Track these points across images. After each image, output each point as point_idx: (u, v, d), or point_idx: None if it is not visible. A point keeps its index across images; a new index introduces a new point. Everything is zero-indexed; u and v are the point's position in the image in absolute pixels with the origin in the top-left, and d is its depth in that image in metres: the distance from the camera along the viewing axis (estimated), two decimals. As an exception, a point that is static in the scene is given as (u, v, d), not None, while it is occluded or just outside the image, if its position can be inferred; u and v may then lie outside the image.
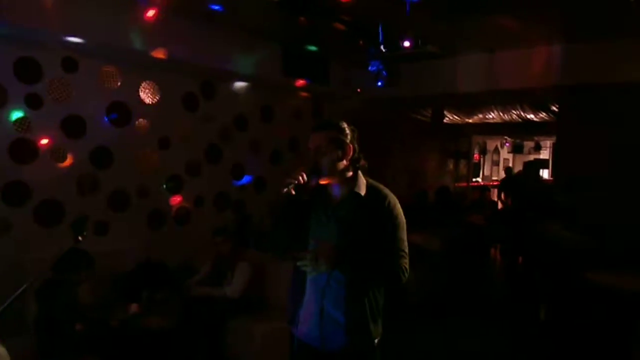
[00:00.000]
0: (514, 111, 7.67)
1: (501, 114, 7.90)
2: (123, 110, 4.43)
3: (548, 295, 4.93)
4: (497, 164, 14.32)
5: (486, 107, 7.58)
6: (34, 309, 3.17)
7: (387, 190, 2.02)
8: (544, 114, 7.41)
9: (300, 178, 1.90)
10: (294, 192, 1.88)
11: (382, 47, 3.76)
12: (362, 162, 2.05)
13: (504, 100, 7.07)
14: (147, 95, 4.62)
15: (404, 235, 1.97)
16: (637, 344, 3.58)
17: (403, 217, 1.99)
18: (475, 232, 6.31)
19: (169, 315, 3.55)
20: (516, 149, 14.28)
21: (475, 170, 12.66)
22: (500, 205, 8.27)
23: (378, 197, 1.97)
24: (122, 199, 4.46)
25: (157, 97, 4.69)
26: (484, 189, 8.29)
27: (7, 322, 3.28)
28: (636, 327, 3.57)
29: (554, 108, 6.97)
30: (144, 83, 4.58)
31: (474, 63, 5.22)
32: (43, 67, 3.88)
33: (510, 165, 14.67)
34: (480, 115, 8.18)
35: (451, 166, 10.73)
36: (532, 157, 14.18)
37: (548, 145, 14.35)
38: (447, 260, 5.98)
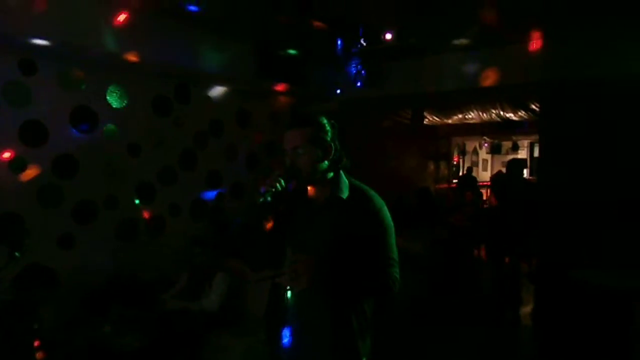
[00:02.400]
0: (493, 110, 7.63)
1: (480, 114, 7.86)
2: (88, 115, 4.16)
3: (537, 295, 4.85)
4: (476, 164, 14.40)
5: (466, 106, 7.52)
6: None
7: (372, 192, 1.82)
8: (523, 112, 7.39)
9: (277, 185, 1.71)
10: (270, 200, 1.69)
11: (362, 41, 3.60)
12: (344, 160, 1.86)
13: (484, 99, 7.02)
14: (114, 99, 4.35)
15: (392, 240, 1.78)
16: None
17: (390, 221, 1.80)
18: (458, 234, 6.21)
19: (142, 333, 3.29)
20: (494, 150, 14.38)
21: (455, 171, 12.68)
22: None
23: (362, 200, 1.77)
24: (88, 210, 4.17)
25: (126, 101, 4.43)
26: (463, 189, 8.23)
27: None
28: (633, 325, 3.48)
29: (534, 107, 6.98)
30: (111, 86, 4.32)
31: (454, 61, 5.12)
32: (-2, 70, 3.60)
33: (489, 165, 14.84)
34: (460, 116, 8.13)
35: (432, 167, 10.68)
36: (510, 157, 14.31)
37: (525, 145, 14.51)
38: (431, 262, 5.86)
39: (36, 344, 2.85)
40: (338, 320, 1.75)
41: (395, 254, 1.78)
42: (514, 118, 7.75)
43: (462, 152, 13.26)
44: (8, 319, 2.83)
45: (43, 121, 3.87)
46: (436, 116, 8.28)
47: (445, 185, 11.06)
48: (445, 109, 7.97)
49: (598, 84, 4.43)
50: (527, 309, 5.25)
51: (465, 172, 12.46)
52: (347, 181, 1.84)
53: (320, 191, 1.82)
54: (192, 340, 3.52)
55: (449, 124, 8.75)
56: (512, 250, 4.96)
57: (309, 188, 1.84)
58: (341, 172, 1.85)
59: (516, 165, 5.22)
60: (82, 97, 4.12)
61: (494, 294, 5.32)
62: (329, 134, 1.81)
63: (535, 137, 12.56)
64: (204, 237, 3.94)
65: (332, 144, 1.81)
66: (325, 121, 1.83)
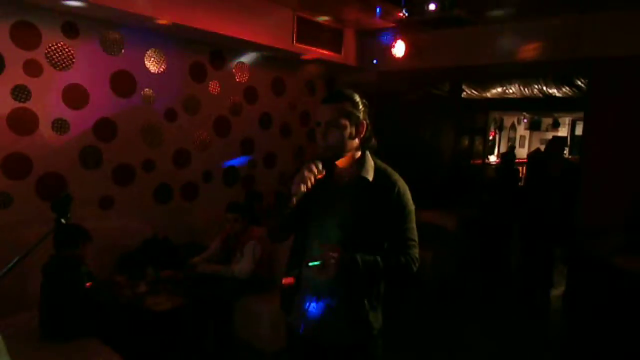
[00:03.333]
0: (535, 85, 7.33)
1: (522, 89, 7.57)
2: (127, 80, 4.22)
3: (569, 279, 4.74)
4: (514, 140, 13.93)
5: (507, 80, 7.23)
6: (37, 286, 3.05)
7: (396, 176, 1.83)
8: (568, 88, 7.07)
9: (316, 171, 1.69)
10: (308, 189, 1.68)
11: (404, 11, 3.47)
12: (373, 141, 1.86)
13: (527, 73, 6.73)
14: (152, 64, 4.39)
15: (413, 224, 1.82)
16: None
17: (412, 204, 1.82)
18: (491, 211, 6.08)
19: (175, 295, 3.41)
20: (533, 126, 13.85)
21: (490, 147, 12.29)
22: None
23: (387, 184, 1.79)
24: (126, 173, 4.29)
25: (164, 67, 4.47)
26: (506, 168, 7.96)
27: (7, 299, 3.21)
28: None
29: (579, 83, 6.65)
30: (150, 51, 4.36)
31: (497, 33, 4.90)
32: (42, 33, 3.67)
33: (527, 142, 14.33)
34: (500, 90, 7.84)
35: (466, 143, 10.42)
36: (549, 135, 13.80)
37: (567, 122, 13.92)
38: (463, 240, 5.79)
39: (88, 285, 3.00)
40: (352, 297, 1.79)
41: (415, 235, 1.81)
42: (557, 94, 7.44)
43: (500, 128, 12.83)
44: (56, 270, 2.97)
45: (84, 84, 3.95)
46: (475, 90, 8.01)
47: (479, 161, 10.80)
48: (485, 83, 7.70)
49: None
50: (557, 292, 5.16)
51: (508, 149, 12.05)
52: (373, 162, 1.84)
53: (346, 170, 1.82)
54: (222, 304, 3.64)
55: (486, 98, 8.48)
56: (548, 231, 4.83)
57: (336, 164, 1.82)
58: (367, 152, 1.85)
59: (557, 143, 5.02)
60: (122, 62, 4.17)
61: (525, 274, 5.24)
62: (362, 112, 1.80)
63: (577, 115, 12.07)
64: (237, 204, 4.00)
65: (365, 123, 1.80)
66: (358, 99, 1.81)
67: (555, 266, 5.22)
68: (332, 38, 5.49)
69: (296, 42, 5.06)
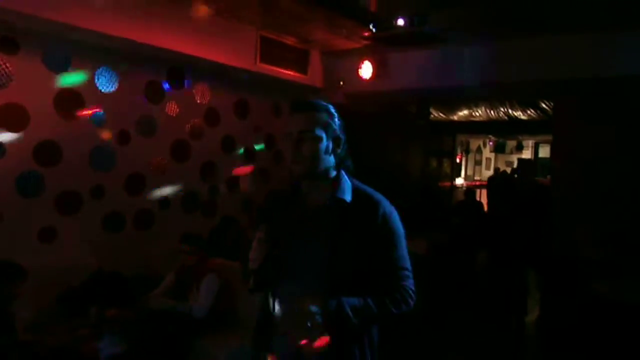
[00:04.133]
0: (501, 108, 7.37)
1: (488, 111, 7.60)
2: (74, 99, 3.89)
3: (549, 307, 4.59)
4: (479, 163, 14.10)
5: (474, 102, 7.25)
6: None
7: (379, 196, 1.56)
8: (532, 111, 7.13)
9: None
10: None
11: (371, 26, 3.32)
12: (348, 160, 1.61)
13: (494, 95, 6.75)
14: (103, 83, 4.08)
15: (404, 250, 1.54)
16: None
17: (402, 228, 1.55)
18: (464, 236, 5.94)
19: (122, 336, 3.04)
20: (498, 149, 14.10)
21: (457, 169, 12.36)
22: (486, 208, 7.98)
23: (368, 206, 1.52)
24: (72, 201, 3.91)
25: (116, 86, 4.16)
26: (469, 190, 7.94)
27: None
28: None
29: (544, 105, 6.72)
30: (100, 69, 4.05)
31: (467, 54, 4.84)
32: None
33: (492, 164, 14.55)
34: (466, 112, 7.86)
35: (434, 165, 10.41)
36: (514, 157, 14.06)
37: (530, 145, 14.23)
38: (435, 265, 5.61)
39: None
40: (342, 347, 1.46)
41: (408, 263, 1.54)
42: (522, 117, 7.50)
43: (467, 150, 12.96)
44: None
45: (24, 104, 3.59)
46: (442, 112, 8.00)
47: (448, 184, 10.81)
48: (452, 105, 7.70)
49: (619, 83, 4.17)
50: (532, 318, 5.01)
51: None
52: (350, 183, 1.57)
53: (319, 192, 1.55)
54: (176, 345, 3.27)
55: (453, 121, 8.50)
56: (521, 256, 4.69)
57: (304, 187, 1.57)
58: (343, 172, 1.59)
59: (527, 166, 4.95)
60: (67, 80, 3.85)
61: (499, 300, 5.07)
62: (339, 124, 1.56)
63: (541, 137, 12.32)
64: (191, 235, 3.67)
65: (342, 137, 1.56)
66: (334, 110, 1.57)
67: (528, 292, 5.07)
68: (297, 58, 5.33)
69: (260, 62, 4.87)
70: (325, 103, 1.57)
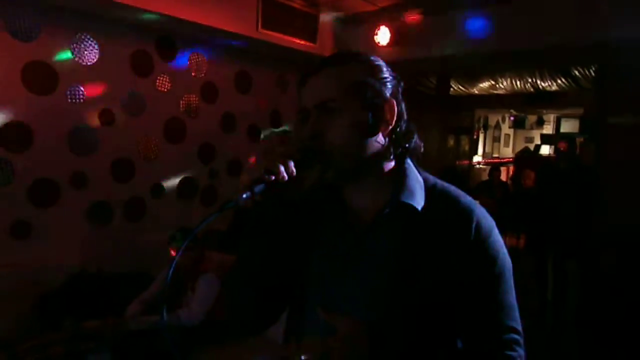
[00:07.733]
0: (529, 78, 6.74)
1: (514, 82, 6.96)
2: (46, 73, 3.35)
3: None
4: (497, 140, 13.41)
5: (499, 72, 6.62)
6: None
7: (468, 199, 0.98)
8: (563, 80, 6.49)
9: (280, 168, 0.85)
10: (262, 199, 0.86)
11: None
12: (415, 140, 1.00)
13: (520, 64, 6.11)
14: (81, 53, 3.53)
15: (510, 294, 0.95)
16: None
17: (507, 256, 0.96)
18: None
19: (102, 355, 2.55)
20: (517, 124, 13.34)
21: (474, 147, 11.68)
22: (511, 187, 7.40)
23: (453, 214, 0.95)
24: (48, 191, 3.40)
25: (96, 57, 3.61)
26: (494, 168, 7.34)
27: None
28: None
29: (577, 73, 6.10)
30: (77, 36, 3.49)
31: (497, 16, 4.19)
32: None
33: (511, 140, 13.89)
34: (489, 84, 7.22)
35: (452, 142, 9.81)
36: (534, 133, 13.36)
37: (552, 119, 13.49)
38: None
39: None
40: None
41: (517, 316, 0.96)
42: (553, 88, 6.85)
43: (485, 126, 12.30)
44: None
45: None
46: (462, 85, 7.36)
47: (466, 162, 10.24)
48: (474, 76, 7.06)
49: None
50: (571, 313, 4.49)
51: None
52: (421, 179, 1.00)
53: (370, 194, 0.98)
54: None
55: (473, 95, 7.87)
56: (561, 245, 4.14)
57: (345, 186, 1.00)
58: (409, 161, 1.01)
59: (568, 142, 4.33)
60: (37, 50, 3.30)
61: (534, 292, 4.56)
62: (388, 84, 0.96)
63: (563, 112, 11.66)
64: (186, 229, 3.14)
65: (394, 102, 0.96)
66: (379, 61, 0.98)
67: (568, 283, 4.54)
68: (305, 24, 4.71)
69: (261, 28, 4.26)
70: (362, 54, 0.97)
